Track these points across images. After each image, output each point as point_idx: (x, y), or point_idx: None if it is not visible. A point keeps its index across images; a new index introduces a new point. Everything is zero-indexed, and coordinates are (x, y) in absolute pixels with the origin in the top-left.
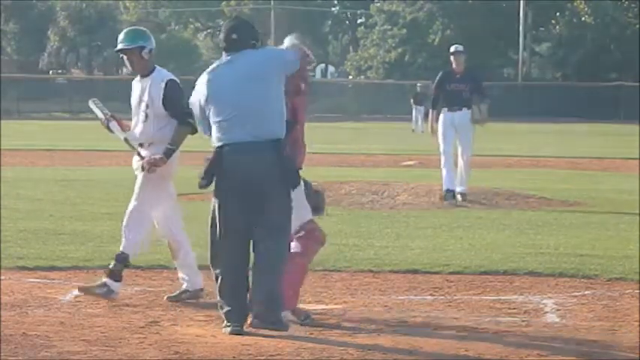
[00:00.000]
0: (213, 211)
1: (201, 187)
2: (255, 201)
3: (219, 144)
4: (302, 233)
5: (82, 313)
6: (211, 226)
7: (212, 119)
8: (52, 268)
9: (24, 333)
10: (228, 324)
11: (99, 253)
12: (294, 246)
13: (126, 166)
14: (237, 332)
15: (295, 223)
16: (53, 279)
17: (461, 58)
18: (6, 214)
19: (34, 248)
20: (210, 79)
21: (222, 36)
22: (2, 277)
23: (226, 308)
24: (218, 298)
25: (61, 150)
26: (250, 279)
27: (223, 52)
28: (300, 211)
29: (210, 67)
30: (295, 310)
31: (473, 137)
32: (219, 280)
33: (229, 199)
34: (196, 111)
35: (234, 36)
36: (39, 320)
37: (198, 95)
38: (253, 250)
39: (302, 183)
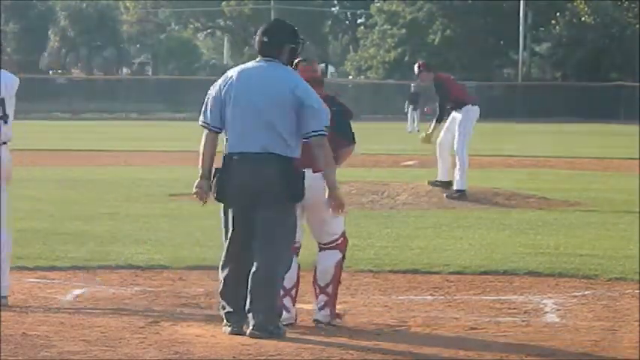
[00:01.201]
0: (223, 214)
1: (216, 198)
2: (258, 211)
3: (230, 151)
4: (341, 240)
5: (82, 313)
6: (225, 232)
7: (229, 122)
8: (52, 268)
9: (24, 333)
10: (228, 324)
11: (99, 253)
12: (337, 253)
13: (126, 166)
14: (237, 332)
15: (336, 230)
16: (53, 279)
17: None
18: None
19: (34, 248)
20: (238, 79)
21: (256, 39)
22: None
23: (227, 309)
24: (220, 299)
25: (61, 150)
26: (248, 288)
27: (258, 54)
28: (339, 221)
29: (242, 66)
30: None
31: (464, 135)
32: (222, 282)
33: (234, 206)
34: (210, 100)
35: (265, 39)
36: (39, 320)
37: (220, 88)
38: (254, 260)
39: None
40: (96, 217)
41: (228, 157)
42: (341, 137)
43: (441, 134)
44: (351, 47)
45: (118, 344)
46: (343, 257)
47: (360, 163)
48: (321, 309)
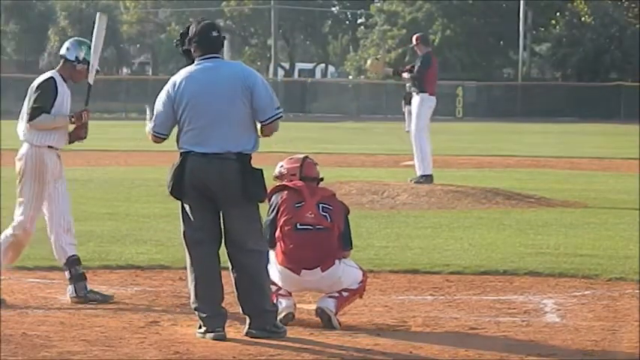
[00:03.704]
0: (182, 216)
1: (169, 191)
2: (220, 212)
3: (186, 150)
4: (363, 279)
5: (82, 313)
6: (183, 233)
7: (185, 124)
8: (52, 268)
9: (24, 333)
10: (210, 330)
11: (99, 253)
12: (361, 282)
13: (126, 167)
14: (221, 338)
15: (356, 278)
16: (53, 279)
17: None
18: (6, 214)
19: (34, 248)
20: (188, 83)
21: (197, 38)
22: (2, 277)
23: (203, 315)
24: (195, 305)
25: (61, 150)
26: (235, 294)
27: (199, 55)
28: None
29: (187, 70)
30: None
31: (419, 119)
32: (193, 286)
33: (193, 209)
34: (159, 108)
35: (215, 34)
36: (39, 320)
37: (168, 95)
38: (231, 265)
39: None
40: (96, 217)
41: (185, 155)
42: (344, 242)
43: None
44: (351, 47)
45: (118, 344)
46: (363, 289)
47: (360, 163)
48: (328, 298)
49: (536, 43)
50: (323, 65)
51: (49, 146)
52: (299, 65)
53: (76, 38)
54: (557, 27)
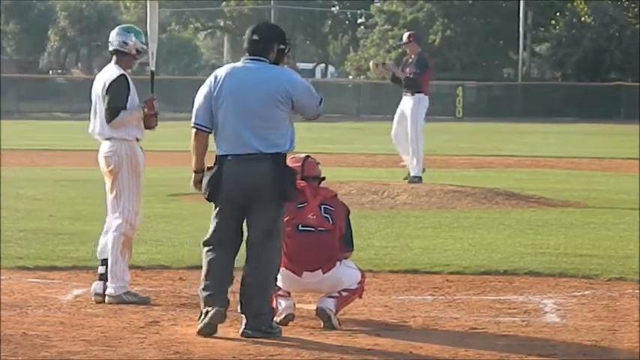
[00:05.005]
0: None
1: (205, 197)
2: (250, 212)
3: (224, 153)
4: (361, 280)
5: (82, 313)
6: (212, 228)
7: (220, 123)
8: (52, 268)
9: (24, 333)
10: (210, 305)
11: None
12: (359, 282)
13: None
14: (219, 317)
15: (355, 279)
16: (53, 279)
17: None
18: (6, 214)
19: (34, 248)
20: (227, 80)
21: (245, 37)
22: (2, 277)
23: (207, 292)
24: (201, 285)
25: (61, 150)
26: (239, 291)
27: (246, 53)
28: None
29: (230, 66)
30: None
31: (416, 120)
32: (203, 274)
33: (225, 209)
34: (200, 100)
35: (255, 37)
36: (39, 320)
37: (209, 87)
38: (246, 264)
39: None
40: (96, 217)
41: (221, 159)
42: (345, 243)
43: (394, 127)
44: (351, 47)
45: (118, 344)
46: (362, 289)
47: (360, 163)
48: (327, 298)
49: (536, 43)
50: (323, 65)
51: (136, 138)
52: (299, 65)
53: (125, 27)
54: (557, 27)
